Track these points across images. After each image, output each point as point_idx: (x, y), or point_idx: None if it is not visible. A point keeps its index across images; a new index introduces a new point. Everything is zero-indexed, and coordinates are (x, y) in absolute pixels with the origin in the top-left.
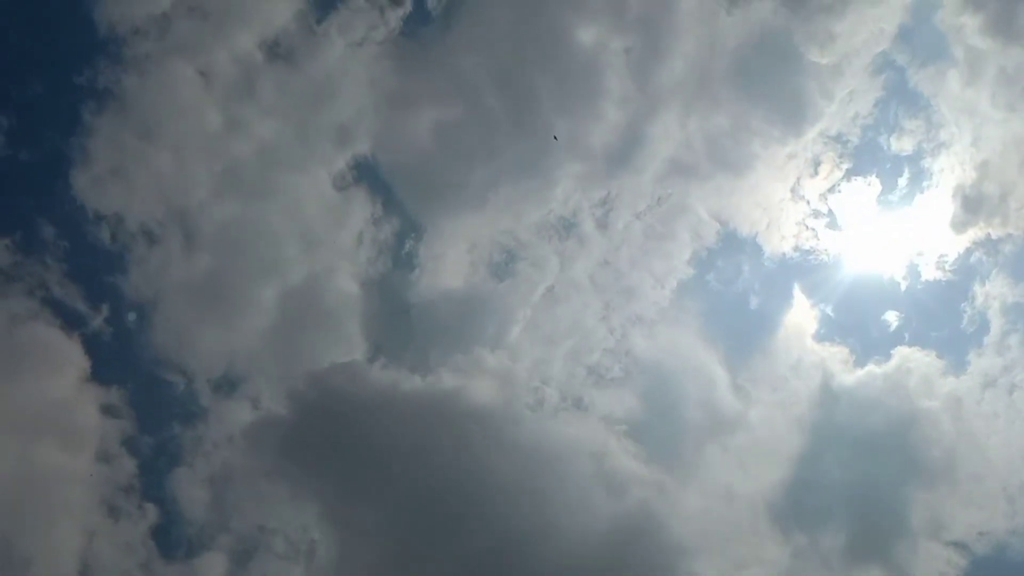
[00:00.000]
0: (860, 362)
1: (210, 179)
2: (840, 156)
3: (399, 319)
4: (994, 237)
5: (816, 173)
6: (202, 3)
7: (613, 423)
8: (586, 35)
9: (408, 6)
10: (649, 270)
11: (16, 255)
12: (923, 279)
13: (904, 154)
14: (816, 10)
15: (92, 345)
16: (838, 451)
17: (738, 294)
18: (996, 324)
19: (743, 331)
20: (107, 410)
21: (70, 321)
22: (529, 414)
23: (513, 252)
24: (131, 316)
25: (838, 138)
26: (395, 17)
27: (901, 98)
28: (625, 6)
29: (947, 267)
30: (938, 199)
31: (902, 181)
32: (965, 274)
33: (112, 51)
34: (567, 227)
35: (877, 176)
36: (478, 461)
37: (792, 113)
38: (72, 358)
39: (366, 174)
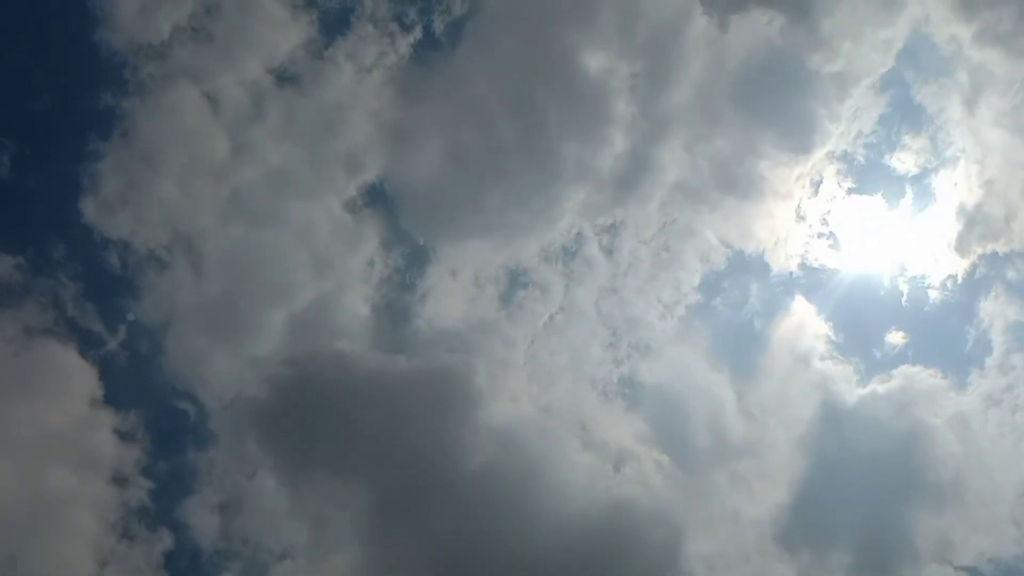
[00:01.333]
0: (863, 381)
1: (218, 204)
2: (844, 175)
3: (406, 343)
4: (1000, 254)
5: (821, 193)
6: (208, 27)
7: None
8: (593, 60)
9: (418, 32)
10: (657, 296)
11: (27, 274)
12: (926, 297)
13: (909, 173)
14: (820, 23)
15: (105, 368)
16: (843, 469)
17: (743, 316)
18: (999, 343)
19: (748, 353)
20: (121, 434)
21: (84, 343)
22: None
23: (519, 279)
24: (143, 340)
25: (843, 157)
26: (404, 43)
27: (905, 115)
28: (633, 31)
29: (950, 285)
30: (942, 217)
31: (906, 200)
32: (968, 292)
33: (117, 75)
34: (573, 254)
35: (882, 194)
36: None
37: (798, 133)
38: (85, 381)
39: (375, 199)
